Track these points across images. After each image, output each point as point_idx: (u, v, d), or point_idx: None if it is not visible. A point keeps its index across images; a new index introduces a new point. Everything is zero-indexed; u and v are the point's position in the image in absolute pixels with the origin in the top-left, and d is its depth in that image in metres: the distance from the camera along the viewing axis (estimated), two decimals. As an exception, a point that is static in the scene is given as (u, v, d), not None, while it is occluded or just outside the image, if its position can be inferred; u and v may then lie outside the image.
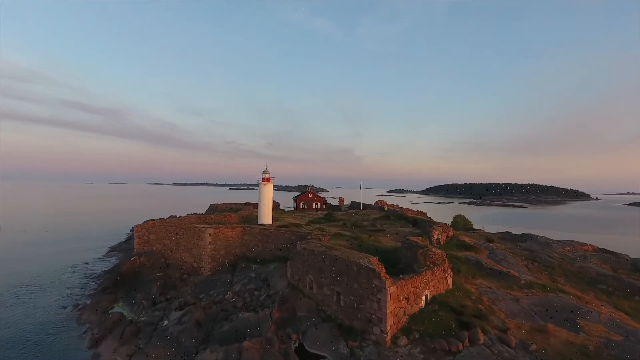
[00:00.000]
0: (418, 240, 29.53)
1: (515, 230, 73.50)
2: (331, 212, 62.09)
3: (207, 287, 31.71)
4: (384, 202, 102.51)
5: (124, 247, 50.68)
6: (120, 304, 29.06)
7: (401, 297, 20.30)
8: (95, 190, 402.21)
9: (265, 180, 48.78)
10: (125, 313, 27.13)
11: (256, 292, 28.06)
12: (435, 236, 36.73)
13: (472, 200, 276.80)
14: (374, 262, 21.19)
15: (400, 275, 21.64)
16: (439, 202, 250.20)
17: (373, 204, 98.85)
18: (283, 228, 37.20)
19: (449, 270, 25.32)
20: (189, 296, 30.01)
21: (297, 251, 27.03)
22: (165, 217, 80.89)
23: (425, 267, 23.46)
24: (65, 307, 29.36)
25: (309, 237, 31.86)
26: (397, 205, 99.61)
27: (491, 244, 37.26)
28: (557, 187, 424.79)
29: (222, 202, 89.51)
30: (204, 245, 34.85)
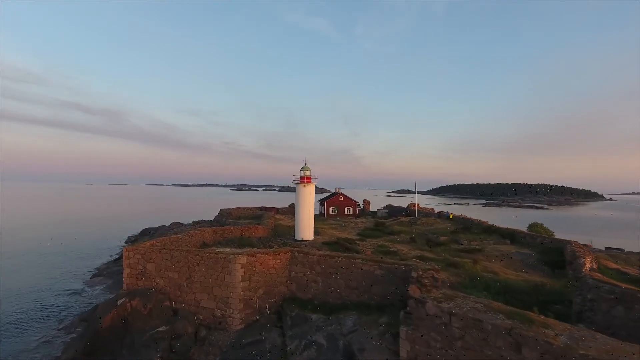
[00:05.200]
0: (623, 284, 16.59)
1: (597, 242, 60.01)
2: (381, 221, 49.06)
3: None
4: (418, 204, 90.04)
5: (113, 270, 37.78)
6: (91, 403, 16.16)
7: None
8: (94, 191, 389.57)
9: (306, 179, 35.96)
10: None
11: (345, 389, 15.07)
12: (588, 265, 23.88)
13: (488, 201, 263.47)
14: None
15: None
16: (455, 204, 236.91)
17: (405, 207, 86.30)
18: (356, 255, 24.30)
19: None
20: (215, 383, 17.12)
21: (429, 314, 14.10)
22: (167, 225, 68.03)
23: None
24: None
25: (414, 273, 18.80)
26: (430, 208, 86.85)
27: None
28: (569, 187, 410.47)
29: (233, 207, 76.61)
30: (233, 283, 21.90)
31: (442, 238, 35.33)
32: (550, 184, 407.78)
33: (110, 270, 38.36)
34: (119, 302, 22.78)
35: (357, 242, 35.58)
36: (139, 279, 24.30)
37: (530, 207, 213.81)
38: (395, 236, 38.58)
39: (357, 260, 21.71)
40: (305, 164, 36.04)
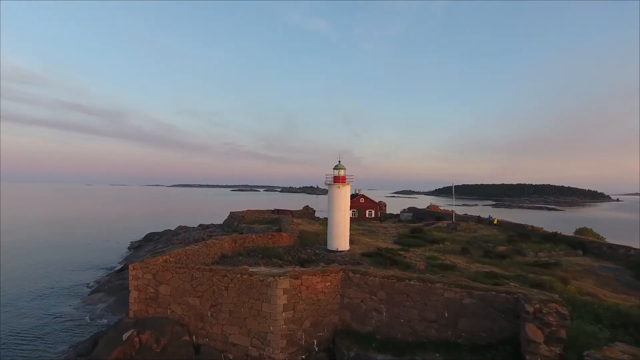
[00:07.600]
0: None
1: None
2: (418, 227, 43.97)
3: None
4: (437, 207, 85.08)
5: (116, 285, 32.73)
6: None
7: None
8: (94, 192, 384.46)
9: (340, 180, 30.90)
10: None
11: None
12: None
13: (497, 202, 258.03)
14: None
15: None
16: (463, 204, 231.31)
17: (426, 208, 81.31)
18: (433, 277, 19.21)
19: None
20: None
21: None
22: (172, 229, 63.05)
23: None
24: None
25: (529, 306, 13.78)
26: (452, 211, 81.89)
27: None
28: (575, 188, 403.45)
29: (240, 209, 71.53)
30: (274, 313, 16.88)
31: (500, 248, 30.23)
32: (553, 184, 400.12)
33: (112, 285, 33.29)
34: (124, 337, 17.80)
35: (400, 252, 30.59)
36: (149, 305, 19.30)
37: (541, 208, 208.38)
38: (440, 245, 33.52)
39: (436, 284, 16.63)
40: (339, 161, 30.96)
